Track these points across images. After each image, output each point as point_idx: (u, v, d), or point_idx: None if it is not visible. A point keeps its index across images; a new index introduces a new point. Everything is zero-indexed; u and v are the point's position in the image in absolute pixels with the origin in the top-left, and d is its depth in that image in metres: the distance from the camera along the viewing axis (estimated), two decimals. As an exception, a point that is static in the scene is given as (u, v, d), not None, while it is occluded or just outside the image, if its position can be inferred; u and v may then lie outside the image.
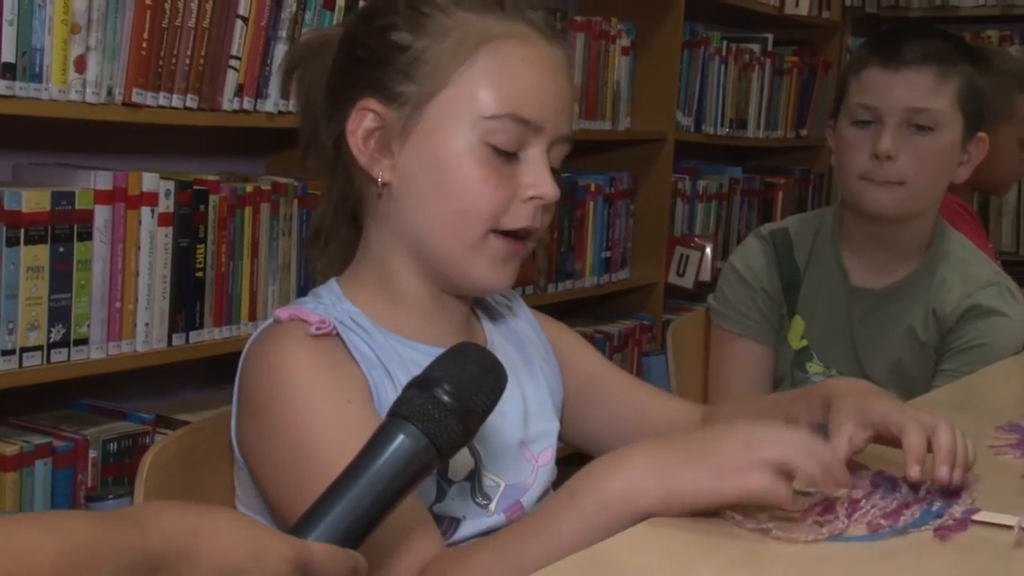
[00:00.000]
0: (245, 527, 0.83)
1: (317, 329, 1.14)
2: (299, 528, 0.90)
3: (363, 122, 1.18)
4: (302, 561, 0.84)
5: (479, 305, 1.33)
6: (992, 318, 1.87)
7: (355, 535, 0.90)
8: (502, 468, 1.23)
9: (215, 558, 0.79)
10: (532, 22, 1.21)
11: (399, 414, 0.94)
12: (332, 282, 1.25)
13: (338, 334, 1.16)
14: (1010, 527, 1.02)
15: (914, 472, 1.08)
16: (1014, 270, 2.32)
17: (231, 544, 0.80)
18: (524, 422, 1.27)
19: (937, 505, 1.06)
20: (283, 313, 1.17)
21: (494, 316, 1.34)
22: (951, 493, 1.08)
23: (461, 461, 1.19)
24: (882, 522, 1.02)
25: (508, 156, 1.17)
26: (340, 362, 1.15)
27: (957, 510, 1.05)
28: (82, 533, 0.73)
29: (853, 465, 1.14)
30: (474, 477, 1.21)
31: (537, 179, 1.17)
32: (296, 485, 1.08)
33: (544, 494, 1.27)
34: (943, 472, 1.07)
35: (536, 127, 1.17)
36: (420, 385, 0.95)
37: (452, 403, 0.94)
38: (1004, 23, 4.06)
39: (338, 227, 1.28)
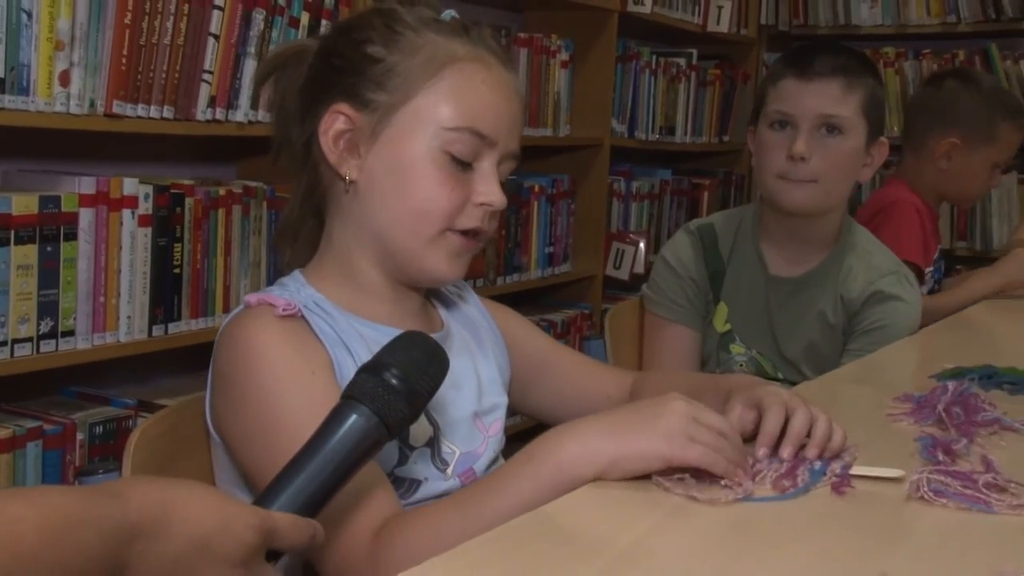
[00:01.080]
0: (214, 498, 0.84)
1: (284, 311, 1.15)
2: (263, 499, 0.91)
3: (335, 124, 1.20)
4: (266, 528, 0.85)
5: (434, 293, 1.35)
6: (891, 303, 1.91)
7: (314, 505, 0.92)
8: (458, 437, 1.25)
9: (187, 526, 0.80)
10: (492, 49, 1.24)
11: (352, 396, 0.95)
12: (296, 273, 1.27)
13: (303, 316, 1.17)
14: (894, 479, 1.06)
15: (760, 453, 1.10)
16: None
17: (201, 513, 0.81)
18: (478, 396, 1.29)
19: (819, 464, 1.09)
20: (252, 298, 1.19)
21: (448, 303, 1.37)
22: (832, 456, 1.12)
23: (421, 429, 1.21)
24: (785, 483, 1.05)
25: (463, 165, 1.20)
26: (305, 340, 1.16)
27: (836, 466, 1.08)
28: (65, 505, 0.74)
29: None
30: (433, 444, 1.23)
31: (488, 188, 1.20)
32: (269, 454, 1.08)
33: (493, 462, 1.29)
34: (784, 452, 1.10)
35: (490, 142, 1.20)
36: (371, 369, 0.97)
37: (400, 386, 0.96)
38: (899, 41, 4.15)
39: (304, 221, 1.30)
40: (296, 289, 1.22)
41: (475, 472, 1.25)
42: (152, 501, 0.80)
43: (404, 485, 1.20)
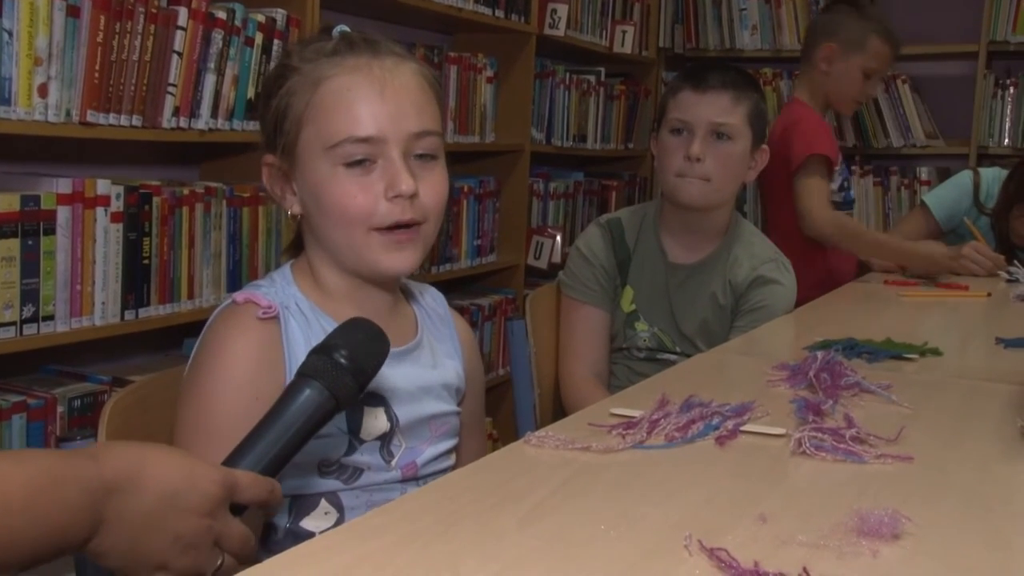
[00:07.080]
0: (181, 458, 0.84)
1: (264, 314, 1.14)
2: (228, 461, 0.92)
3: (268, 172, 1.20)
4: (228, 483, 0.85)
5: (416, 302, 1.32)
6: (771, 286, 1.94)
7: (273, 466, 0.93)
8: (409, 435, 1.22)
9: (157, 481, 0.80)
10: (360, 51, 1.16)
11: (305, 373, 0.96)
12: (286, 268, 1.24)
13: (280, 317, 1.15)
14: (778, 435, 1.08)
15: None
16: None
17: (169, 470, 0.81)
18: (438, 402, 1.26)
19: (717, 420, 1.10)
20: (240, 296, 1.16)
21: (427, 314, 1.32)
22: (737, 412, 1.13)
23: (377, 425, 1.18)
24: (676, 434, 1.07)
25: (366, 168, 1.14)
26: (270, 355, 1.13)
27: (730, 423, 1.09)
28: (49, 464, 0.74)
29: (673, 391, 1.19)
30: (385, 438, 1.19)
31: (392, 180, 1.13)
32: (185, 440, 1.09)
33: (436, 457, 1.25)
34: None
35: (377, 139, 1.13)
36: (321, 351, 0.98)
37: (347, 364, 0.97)
38: (775, 63, 4.25)
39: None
40: (282, 287, 1.20)
41: (416, 465, 1.22)
42: (125, 461, 0.79)
43: (348, 472, 1.17)
